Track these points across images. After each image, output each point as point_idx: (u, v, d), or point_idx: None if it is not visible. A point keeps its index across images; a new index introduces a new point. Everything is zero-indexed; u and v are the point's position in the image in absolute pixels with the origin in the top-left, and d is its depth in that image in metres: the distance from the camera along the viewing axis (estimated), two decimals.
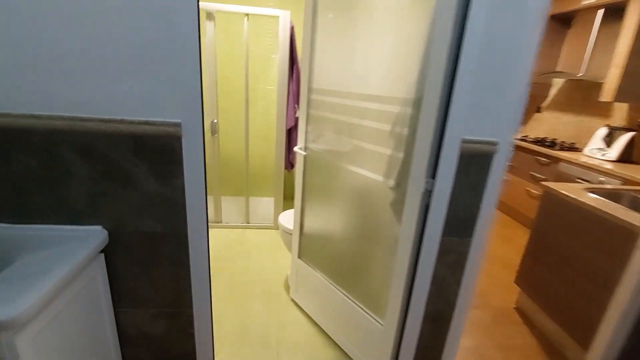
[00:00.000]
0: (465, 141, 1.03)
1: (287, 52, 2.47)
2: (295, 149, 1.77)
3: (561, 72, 3.49)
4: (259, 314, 1.89)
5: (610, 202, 1.66)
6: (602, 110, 3.21)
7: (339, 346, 1.69)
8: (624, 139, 2.79)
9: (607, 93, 2.76)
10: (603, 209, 1.57)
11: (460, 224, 1.13)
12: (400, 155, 1.23)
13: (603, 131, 2.99)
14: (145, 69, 0.93)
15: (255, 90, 3.09)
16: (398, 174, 1.24)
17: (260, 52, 3.02)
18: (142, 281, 1.14)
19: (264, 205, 3.29)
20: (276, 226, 2.89)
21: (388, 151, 1.29)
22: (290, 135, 2.78)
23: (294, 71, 2.62)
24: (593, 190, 1.83)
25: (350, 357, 1.63)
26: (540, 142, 3.47)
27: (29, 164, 0.98)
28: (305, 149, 1.75)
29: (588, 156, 2.97)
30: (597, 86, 3.16)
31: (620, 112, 3.05)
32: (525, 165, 3.41)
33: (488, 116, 1.02)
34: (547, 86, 3.82)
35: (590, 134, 3.18)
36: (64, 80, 0.91)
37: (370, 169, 1.39)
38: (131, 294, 1.15)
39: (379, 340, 1.39)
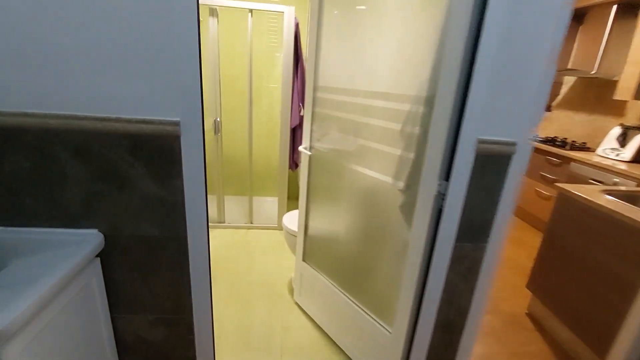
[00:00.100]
0: (481, 141, 0.97)
1: (291, 49, 2.41)
2: (300, 148, 1.71)
3: (573, 69, 3.40)
4: (262, 317, 1.84)
5: (629, 204, 1.59)
6: (616, 109, 3.11)
7: (345, 352, 1.64)
8: (638, 139, 2.71)
9: (623, 91, 2.68)
10: (622, 212, 1.50)
11: (475, 229, 1.07)
12: (411, 155, 1.17)
13: (617, 130, 2.90)
14: (142, 65, 0.87)
15: (259, 88, 3.04)
16: (408, 175, 1.18)
17: (264, 49, 2.97)
18: (140, 286, 1.09)
19: (267, 205, 3.24)
20: (280, 227, 2.84)
21: (398, 151, 1.23)
22: (295, 134, 2.72)
23: (299, 68, 2.56)
24: (610, 192, 1.76)
25: None
26: (550, 141, 3.38)
27: (22, 165, 0.93)
28: (311, 148, 1.69)
29: (601, 156, 2.88)
30: (610, 84, 3.07)
31: (635, 111, 2.95)
32: (535, 165, 3.33)
33: (506, 115, 0.95)
34: (558, 84, 3.72)
35: (602, 133, 3.09)
36: (58, 78, 0.87)
37: (379, 170, 1.33)
38: (129, 299, 1.10)
39: (387, 349, 1.34)
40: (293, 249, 1.97)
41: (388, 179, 1.29)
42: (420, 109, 1.11)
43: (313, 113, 1.64)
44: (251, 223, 2.86)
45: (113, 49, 0.86)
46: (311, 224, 1.78)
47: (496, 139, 0.97)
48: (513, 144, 0.98)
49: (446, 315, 1.19)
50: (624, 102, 2.99)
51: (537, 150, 3.32)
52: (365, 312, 1.47)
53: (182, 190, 0.99)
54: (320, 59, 1.55)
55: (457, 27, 0.92)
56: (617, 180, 2.48)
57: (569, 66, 3.54)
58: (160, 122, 0.92)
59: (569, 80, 3.63)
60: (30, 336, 0.77)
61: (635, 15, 2.63)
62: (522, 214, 3.52)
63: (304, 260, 1.85)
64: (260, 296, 2.02)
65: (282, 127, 2.61)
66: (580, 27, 3.46)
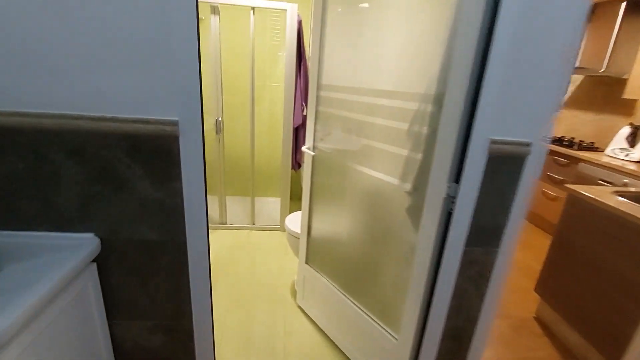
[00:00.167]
0: (493, 142, 0.92)
1: (294, 47, 2.37)
2: (303, 148, 1.67)
3: (581, 67, 3.34)
4: (264, 321, 1.81)
5: None
6: (625, 108, 3.05)
7: (349, 358, 1.60)
8: None
9: (632, 90, 2.62)
10: (634, 213, 1.46)
11: (486, 233, 1.03)
12: (419, 156, 1.12)
13: (626, 130, 2.83)
14: (139, 63, 0.84)
15: (262, 87, 3.01)
16: (416, 177, 1.14)
17: (266, 48, 2.93)
18: (138, 292, 1.05)
19: (270, 205, 3.20)
20: (282, 227, 2.80)
21: (404, 152, 1.18)
22: (298, 133, 2.68)
23: (302, 67, 2.52)
24: (622, 194, 1.71)
25: None
26: (557, 141, 3.32)
27: (16, 166, 0.90)
28: (314, 148, 1.65)
29: (610, 156, 2.82)
30: (619, 82, 3.00)
31: None
32: None
33: (520, 114, 0.91)
34: None
35: (611, 133, 3.03)
36: (52, 76, 0.83)
37: (385, 171, 1.28)
38: (126, 305, 1.07)
39: (393, 356, 1.30)
40: (296, 251, 1.94)
41: (394, 180, 1.24)
42: (429, 108, 1.07)
43: (316, 112, 1.60)
44: (253, 224, 2.83)
45: (107, 44, 0.82)
46: (314, 225, 1.74)
47: (509, 139, 0.93)
48: (527, 145, 0.93)
49: (455, 321, 1.15)
50: (634, 101, 2.93)
51: None
52: (370, 317, 1.43)
53: (181, 193, 0.96)
54: (324, 57, 1.50)
55: (469, 22, 0.87)
56: (627, 180, 2.43)
57: (577, 64, 3.47)
58: (158, 122, 0.88)
59: (576, 79, 3.57)
60: (25, 344, 0.74)
61: None
62: (528, 215, 3.47)
63: (307, 262, 1.81)
64: (262, 299, 1.98)
65: (285, 126, 2.57)
66: (589, 25, 3.40)
